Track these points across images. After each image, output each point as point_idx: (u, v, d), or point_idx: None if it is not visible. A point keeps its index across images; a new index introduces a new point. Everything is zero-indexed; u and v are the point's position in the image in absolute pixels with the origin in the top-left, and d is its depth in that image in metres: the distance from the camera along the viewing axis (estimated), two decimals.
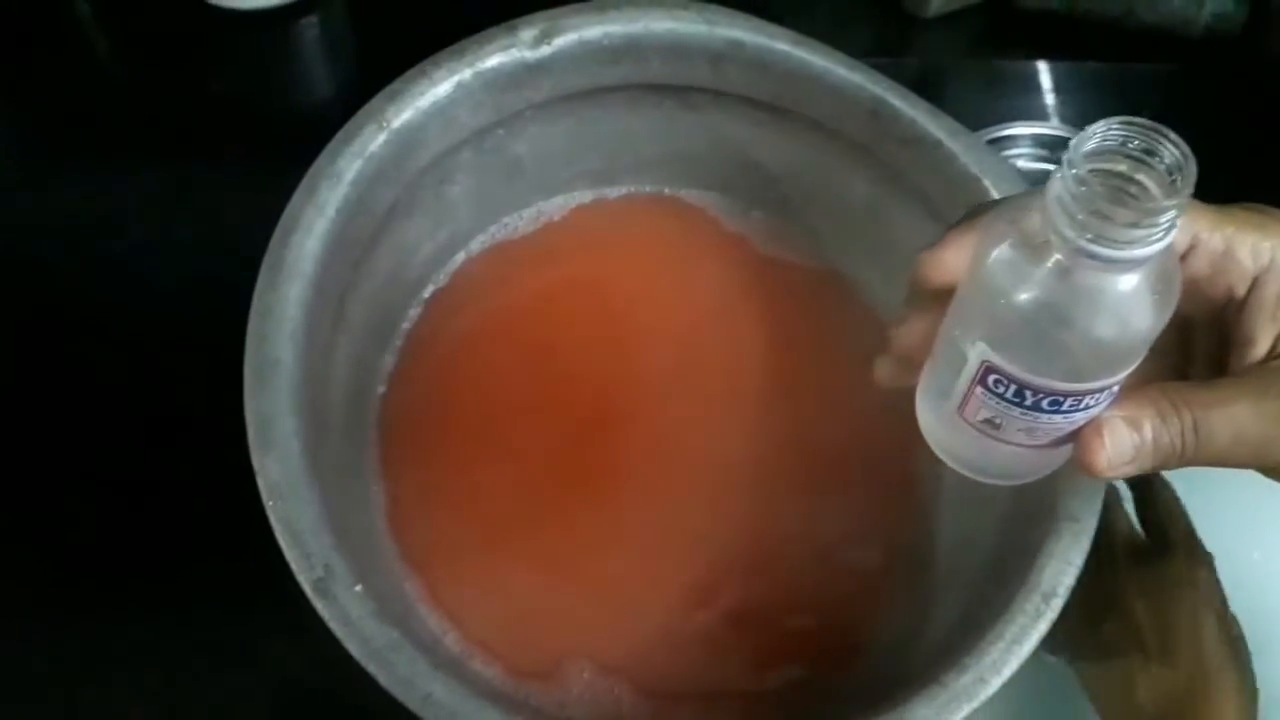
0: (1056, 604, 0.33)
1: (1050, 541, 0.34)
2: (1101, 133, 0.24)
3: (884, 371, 0.32)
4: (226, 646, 0.43)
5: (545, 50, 0.38)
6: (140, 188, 0.53)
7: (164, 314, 0.49)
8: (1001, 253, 0.25)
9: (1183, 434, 0.27)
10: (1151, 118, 0.24)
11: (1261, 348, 0.28)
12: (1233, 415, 0.27)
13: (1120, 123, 0.24)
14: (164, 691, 0.43)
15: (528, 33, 0.38)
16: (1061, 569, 0.33)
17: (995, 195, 0.38)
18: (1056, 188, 0.23)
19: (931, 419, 0.30)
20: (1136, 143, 0.23)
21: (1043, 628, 0.33)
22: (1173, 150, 0.23)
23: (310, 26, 0.58)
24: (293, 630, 0.33)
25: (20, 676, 0.43)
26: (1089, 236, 0.23)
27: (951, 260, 0.28)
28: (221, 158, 0.54)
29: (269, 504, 0.32)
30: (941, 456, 0.31)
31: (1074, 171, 0.23)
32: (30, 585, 0.44)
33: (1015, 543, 0.35)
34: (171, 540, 0.45)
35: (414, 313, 0.44)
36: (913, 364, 0.30)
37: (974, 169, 0.38)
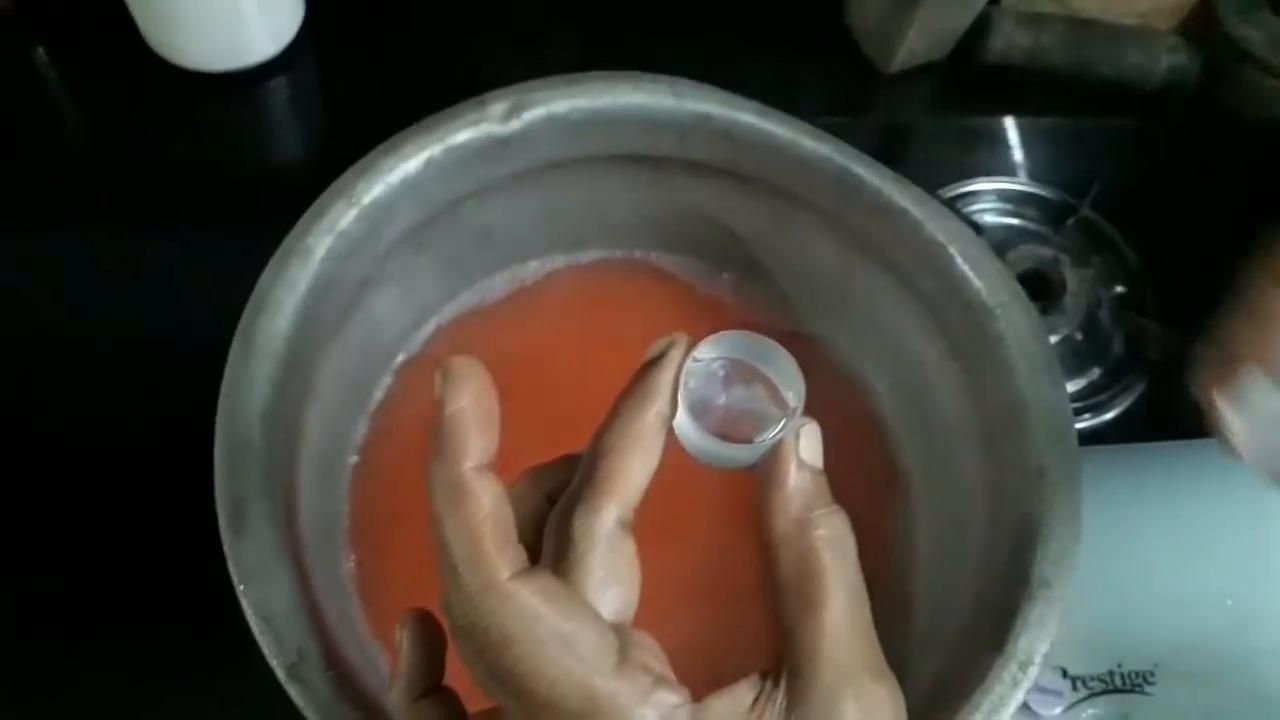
0: (1033, 672, 0.33)
1: (1026, 608, 0.34)
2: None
3: None
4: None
5: (515, 125, 0.39)
6: (102, 251, 0.52)
7: (122, 382, 0.49)
8: None
9: None
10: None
11: None
12: None
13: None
14: None
15: (497, 107, 0.39)
16: (1037, 636, 0.34)
17: (960, 262, 0.39)
18: None
19: None
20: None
21: (1019, 696, 0.33)
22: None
23: (279, 88, 0.58)
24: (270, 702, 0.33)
25: None
26: None
27: None
28: (188, 222, 0.53)
29: (241, 589, 0.32)
30: None
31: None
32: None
33: (991, 609, 0.35)
34: (143, 608, 0.44)
35: (386, 381, 0.43)
36: None
37: (940, 236, 0.39)
